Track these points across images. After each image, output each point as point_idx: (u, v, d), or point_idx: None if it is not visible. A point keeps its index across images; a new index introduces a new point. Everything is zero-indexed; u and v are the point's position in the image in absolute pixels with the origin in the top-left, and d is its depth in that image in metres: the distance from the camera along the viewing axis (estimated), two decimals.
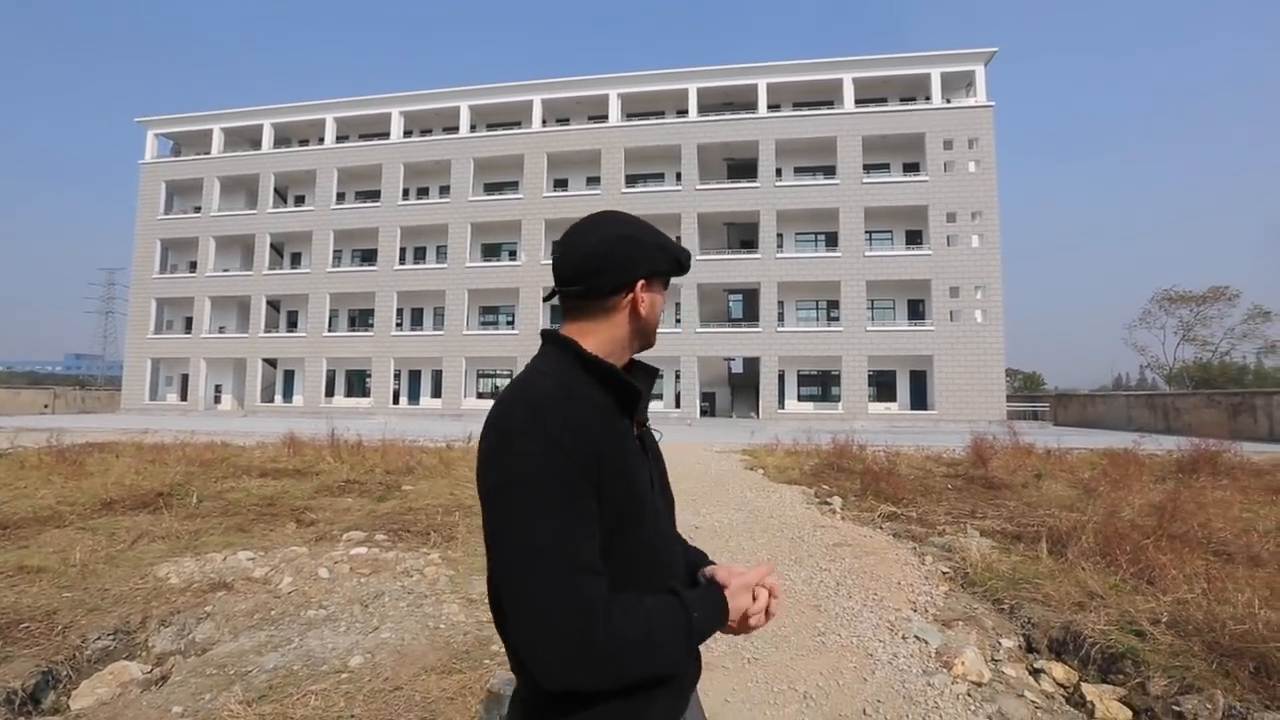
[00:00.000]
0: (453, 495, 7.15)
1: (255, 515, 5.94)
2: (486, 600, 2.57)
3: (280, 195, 35.59)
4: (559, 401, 0.81)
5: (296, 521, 5.76)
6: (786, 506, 6.81)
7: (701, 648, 1.98)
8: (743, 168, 30.12)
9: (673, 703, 0.86)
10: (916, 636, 3.17)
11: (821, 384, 29.13)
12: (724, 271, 28.17)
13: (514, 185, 32.32)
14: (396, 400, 32.44)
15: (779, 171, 29.15)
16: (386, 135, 33.69)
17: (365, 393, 32.70)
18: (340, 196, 34.30)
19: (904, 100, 29.71)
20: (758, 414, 27.62)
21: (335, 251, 33.92)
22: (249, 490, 7.23)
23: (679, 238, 28.96)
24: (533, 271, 30.07)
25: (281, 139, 36.00)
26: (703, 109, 30.05)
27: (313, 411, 30.83)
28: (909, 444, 14.53)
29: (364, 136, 35.17)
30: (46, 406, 38.39)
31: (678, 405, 28.46)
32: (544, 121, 31.93)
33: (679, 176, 29.53)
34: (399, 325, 32.85)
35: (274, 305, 34.88)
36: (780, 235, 29.01)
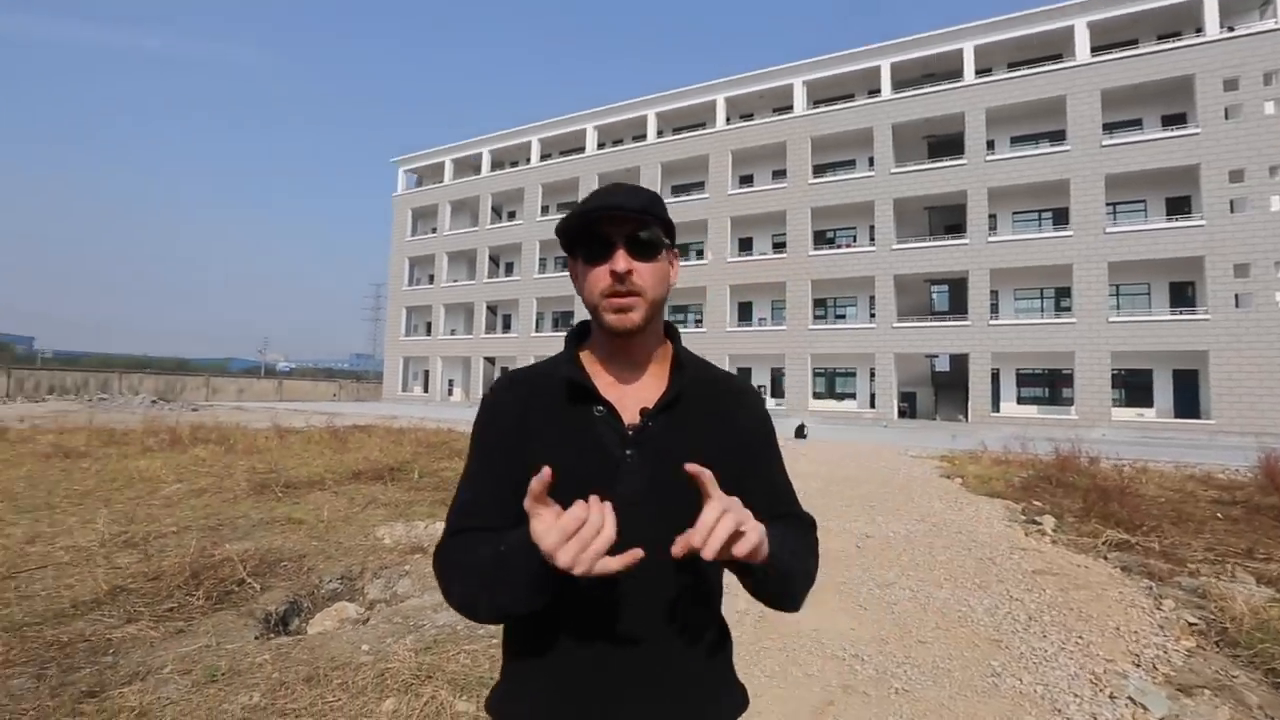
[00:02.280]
0: None
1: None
2: None
3: (496, 212, 42.34)
4: (512, 374, 0.98)
5: None
6: (981, 522, 6.45)
7: (844, 669, 3.77)
8: (946, 144, 28.57)
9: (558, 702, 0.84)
10: (1132, 699, 2.65)
11: (1048, 384, 26.64)
12: (925, 260, 27.20)
13: (700, 186, 34.46)
14: None
15: (990, 144, 27.12)
16: (582, 149, 38.15)
17: None
18: (545, 209, 39.81)
19: (1162, 38, 25.50)
20: (966, 417, 26.35)
21: (540, 259, 39.49)
22: (457, 470, 8.88)
23: (872, 227, 28.61)
24: (719, 270, 31.99)
25: (497, 163, 42.70)
26: (897, 85, 29.08)
27: None
28: (1167, 458, 12.93)
29: (564, 153, 40.20)
30: (334, 395, 50.84)
31: (872, 405, 28.33)
32: (728, 119, 33.47)
33: (871, 161, 29.04)
34: None
35: (492, 309, 41.79)
36: (993, 216, 27.04)
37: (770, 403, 31.26)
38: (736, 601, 3.91)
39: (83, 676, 2.73)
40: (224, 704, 2.52)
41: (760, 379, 32.31)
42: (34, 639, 3.08)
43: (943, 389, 29.59)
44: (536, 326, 38.94)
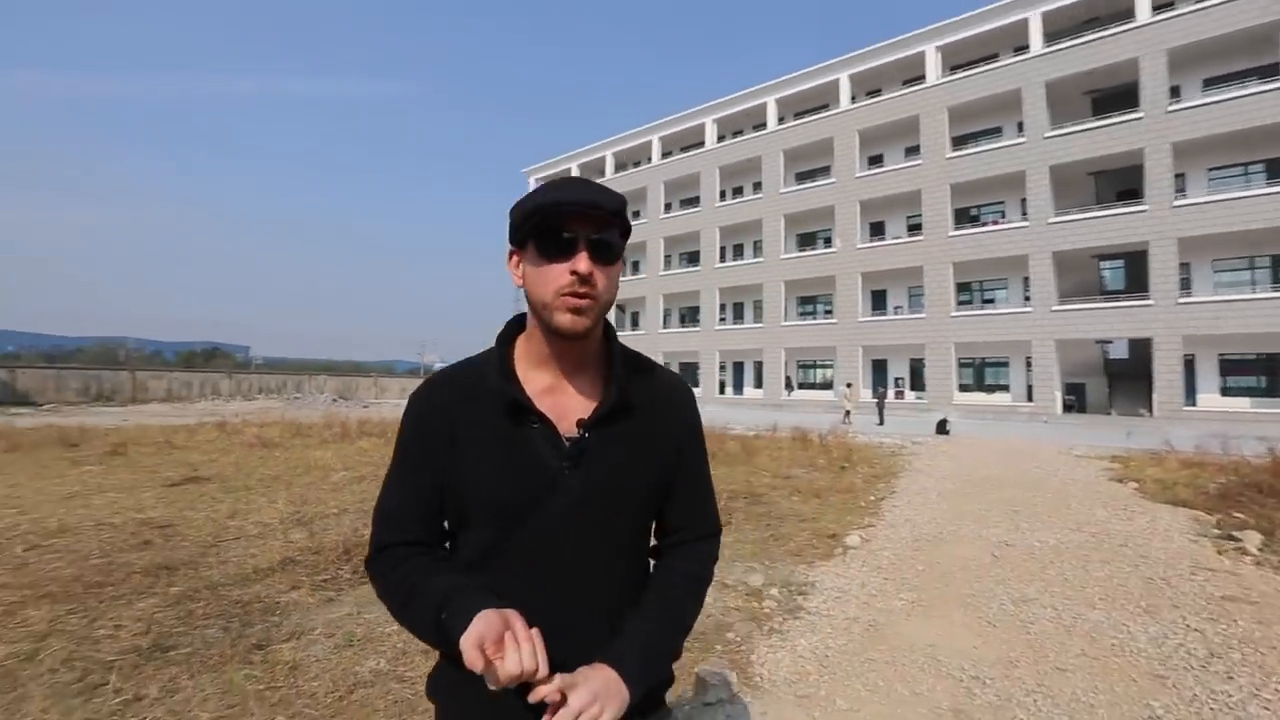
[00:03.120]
0: (748, 482, 8.00)
1: None
2: (738, 586, 4.02)
3: None
4: (437, 379, 0.95)
5: None
6: (1156, 535, 5.62)
7: (959, 691, 3.28)
8: (1114, 98, 24.72)
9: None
10: None
11: (1266, 372, 22.16)
12: (1092, 233, 23.79)
13: (825, 171, 32.88)
14: (722, 390, 36.63)
15: (1174, 90, 23.03)
16: (702, 144, 37.94)
17: (695, 382, 37.74)
18: (668, 206, 40.18)
19: None
20: (1150, 410, 22.73)
21: (665, 256, 39.92)
22: None
23: (1024, 200, 25.59)
24: (848, 257, 30.35)
25: (619, 165, 43.73)
26: (1050, 37, 25.63)
27: None
28: None
29: (684, 149, 40.23)
30: None
31: (1029, 398, 25.36)
32: (853, 98, 31.57)
33: (1021, 127, 25.94)
34: (722, 319, 36.90)
35: (621, 308, 42.94)
36: (1179, 176, 22.94)
37: (909, 396, 29.13)
38: (847, 608, 3.70)
39: (255, 631, 3.23)
40: (356, 665, 2.86)
41: (898, 370, 30.20)
42: (224, 597, 3.69)
43: (1119, 379, 25.76)
44: (664, 323, 39.41)
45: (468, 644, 0.72)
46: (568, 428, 0.90)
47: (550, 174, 47.83)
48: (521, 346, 0.95)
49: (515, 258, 0.90)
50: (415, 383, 53.49)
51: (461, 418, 0.90)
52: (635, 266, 43.12)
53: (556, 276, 0.84)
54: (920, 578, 4.35)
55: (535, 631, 0.75)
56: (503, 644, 0.72)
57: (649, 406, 0.96)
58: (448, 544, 0.97)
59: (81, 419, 19.24)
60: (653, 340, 38.96)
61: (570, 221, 0.84)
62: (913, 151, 29.66)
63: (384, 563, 0.89)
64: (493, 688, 0.72)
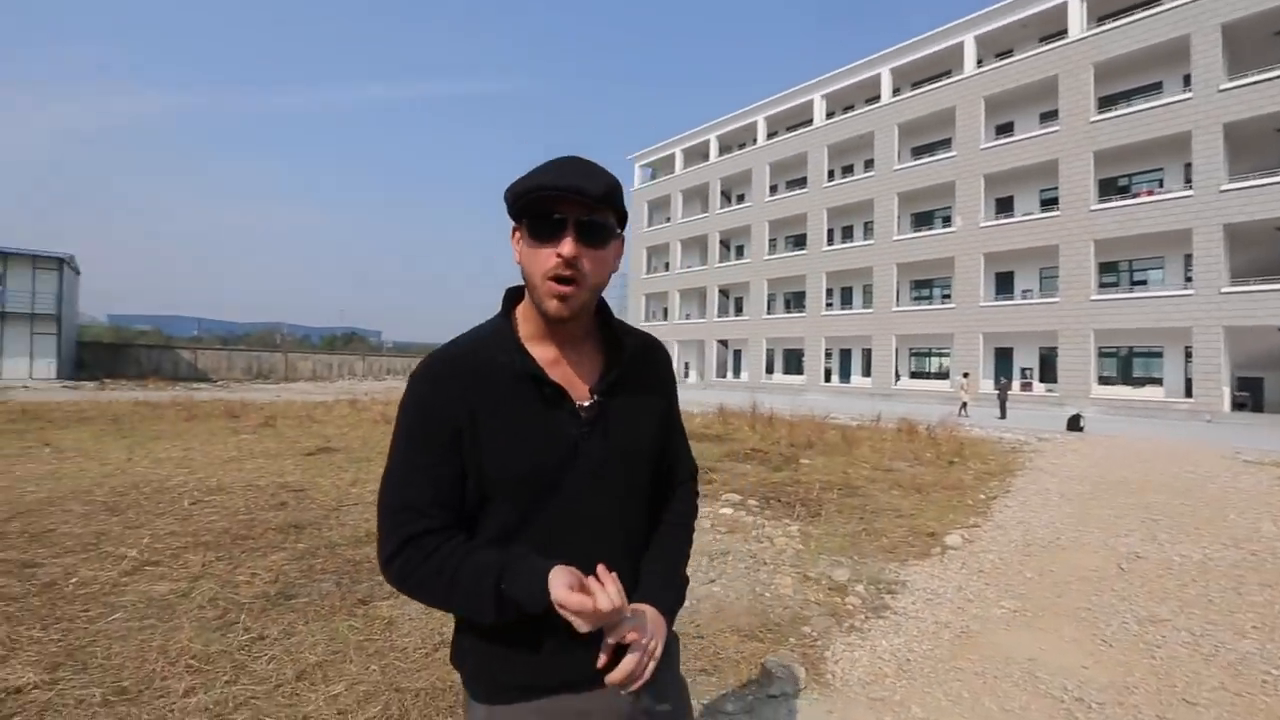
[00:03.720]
0: (845, 474, 7.71)
1: None
2: (821, 580, 3.80)
3: (726, 196, 42.69)
4: (443, 359, 0.92)
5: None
6: None
7: (1058, 713, 2.98)
8: None
9: (541, 658, 0.90)
10: None
11: None
12: (1276, 200, 20.20)
13: (944, 144, 30.40)
14: (828, 378, 35.25)
15: None
16: (809, 122, 36.31)
17: (800, 370, 36.57)
18: (773, 189, 39.00)
19: None
20: None
21: (770, 240, 38.83)
22: None
23: (1188, 165, 22.25)
24: (970, 237, 27.96)
25: (724, 148, 42.95)
26: None
27: (755, 386, 36.47)
28: None
29: (790, 128, 38.74)
30: None
31: (1188, 394, 22.22)
32: (979, 61, 28.82)
33: (1187, 80, 22.46)
34: (829, 305, 35.41)
35: (724, 293, 42.40)
36: None
37: (1038, 388, 26.49)
38: (938, 611, 3.47)
39: (362, 588, 3.56)
40: (443, 626, 3.07)
41: (1025, 360, 27.49)
42: (340, 555, 4.10)
43: None
44: (768, 308, 38.46)
45: (564, 593, 0.77)
46: (579, 395, 0.94)
47: (654, 159, 47.98)
48: (522, 317, 0.97)
49: (516, 234, 0.92)
50: None
51: (476, 397, 0.89)
52: (739, 251, 42.32)
53: (545, 259, 0.86)
54: (1028, 585, 3.97)
55: (614, 574, 0.83)
56: (588, 589, 0.79)
57: (642, 367, 1.02)
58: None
59: (243, 394, 22.02)
60: (756, 326, 38.16)
61: (559, 204, 0.85)
62: (1049, 117, 26.62)
63: (412, 555, 0.86)
64: (585, 630, 0.78)
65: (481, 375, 0.90)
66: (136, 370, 34.04)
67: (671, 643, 1.02)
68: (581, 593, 0.77)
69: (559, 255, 0.84)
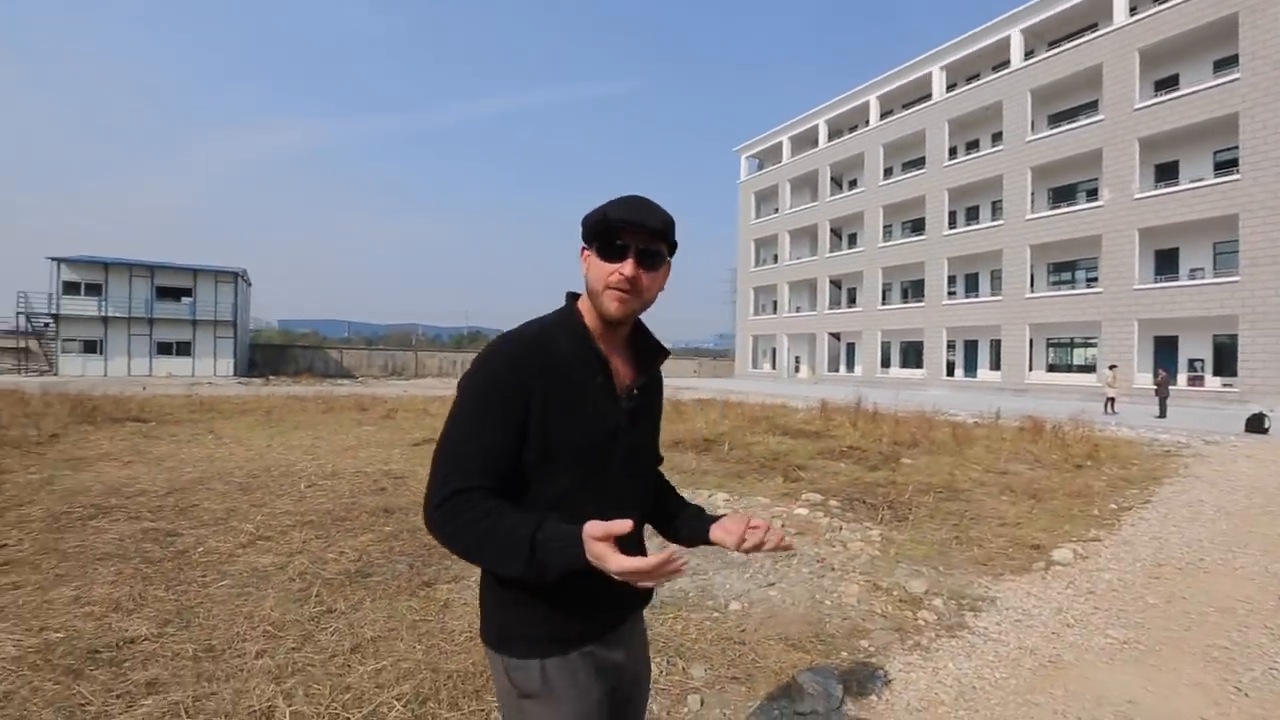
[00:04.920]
0: (950, 475, 7.10)
1: (756, 466, 7.52)
2: (893, 590, 3.42)
3: (836, 183, 40.74)
4: (518, 340, 1.05)
5: (784, 476, 6.85)
6: None
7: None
8: None
9: (562, 619, 1.05)
10: None
11: None
12: None
13: (1089, 108, 26.91)
14: (951, 372, 32.60)
15: None
16: (928, 97, 33.64)
17: (919, 364, 34.10)
18: (887, 172, 36.63)
19: None
20: None
21: (885, 226, 36.53)
22: (768, 445, 9.15)
23: None
24: (1122, 210, 24.55)
25: (834, 131, 40.93)
26: None
27: (870, 380, 34.51)
28: None
29: (906, 106, 36.15)
30: (694, 371, 56.60)
31: None
32: (1132, 9, 25.17)
33: None
34: (951, 293, 32.71)
35: (836, 284, 40.53)
36: None
37: (1212, 382, 22.75)
38: (1026, 635, 3.10)
39: (429, 571, 3.79)
40: None
41: (1193, 350, 23.66)
42: (418, 540, 4.40)
43: None
44: (883, 298, 36.23)
45: (596, 536, 0.89)
46: (622, 388, 1.11)
47: (761, 149, 46.78)
48: (584, 319, 1.11)
49: (585, 253, 1.08)
50: None
51: (548, 374, 1.02)
52: (852, 239, 40.22)
53: (609, 274, 1.03)
54: (1147, 613, 3.40)
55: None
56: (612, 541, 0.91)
57: (657, 372, 1.22)
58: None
59: (376, 389, 24.26)
60: (870, 317, 36.09)
61: (624, 234, 1.03)
62: (1225, 65, 22.68)
63: (457, 504, 0.96)
64: (618, 575, 0.88)
65: (552, 355, 1.04)
66: (295, 368, 38.75)
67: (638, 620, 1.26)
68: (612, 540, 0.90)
69: (621, 273, 1.02)
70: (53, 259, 31.86)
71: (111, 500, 5.30)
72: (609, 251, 1.03)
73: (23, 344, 33.25)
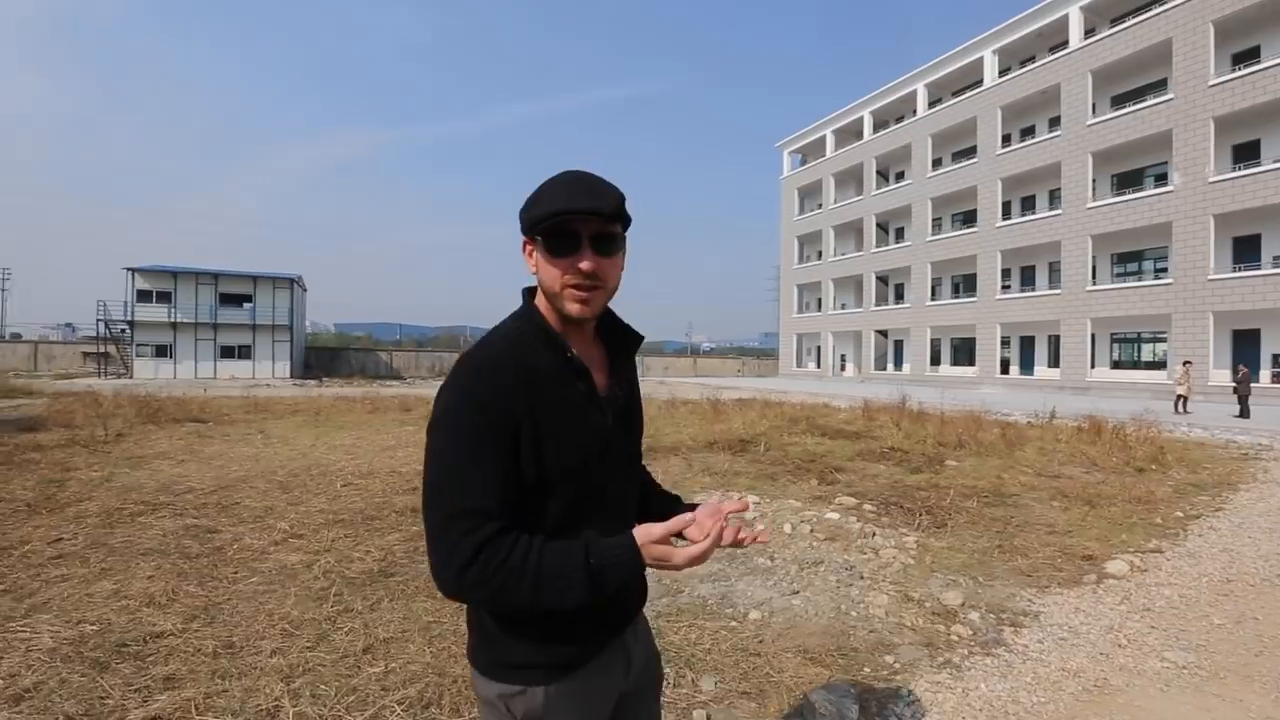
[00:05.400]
0: (998, 479, 6.79)
1: (792, 467, 7.30)
2: (925, 602, 3.20)
3: (882, 176, 39.57)
4: (488, 358, 0.93)
5: (819, 479, 6.66)
6: None
7: None
8: None
9: (587, 630, 0.99)
10: None
11: None
12: None
13: (1156, 87, 25.29)
14: (1005, 369, 31.21)
15: None
16: (979, 83, 32.27)
17: (971, 361, 32.78)
18: (936, 163, 35.34)
19: None
20: None
21: (934, 220, 35.28)
22: (805, 446, 8.93)
23: None
24: (1195, 195, 22.95)
25: (880, 123, 39.78)
26: None
27: (919, 379, 33.37)
28: None
29: (955, 94, 34.76)
30: (738, 371, 56.13)
31: None
32: None
33: None
34: (1005, 287, 31.34)
35: (882, 280, 39.38)
36: None
37: None
38: (1070, 655, 2.89)
39: None
40: None
41: (1278, 345, 21.92)
42: None
43: None
44: (932, 294, 34.97)
45: (656, 539, 0.89)
46: (600, 387, 1.02)
47: (803, 144, 45.89)
48: (546, 317, 1.01)
49: (529, 247, 0.97)
50: (677, 361, 56.88)
51: (530, 393, 0.92)
52: (899, 234, 38.98)
53: (563, 271, 0.93)
54: (1212, 635, 3.10)
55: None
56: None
57: (628, 352, 1.11)
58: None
59: (420, 390, 24.89)
60: (918, 314, 34.90)
61: (573, 223, 0.91)
62: None
63: (490, 558, 0.84)
64: (678, 571, 1.01)
65: (529, 371, 0.93)
66: (347, 370, 40.26)
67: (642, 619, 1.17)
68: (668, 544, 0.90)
69: (580, 268, 0.91)
70: (128, 269, 34.01)
71: (161, 497, 5.55)
72: (558, 245, 0.91)
73: (103, 349, 35.57)
